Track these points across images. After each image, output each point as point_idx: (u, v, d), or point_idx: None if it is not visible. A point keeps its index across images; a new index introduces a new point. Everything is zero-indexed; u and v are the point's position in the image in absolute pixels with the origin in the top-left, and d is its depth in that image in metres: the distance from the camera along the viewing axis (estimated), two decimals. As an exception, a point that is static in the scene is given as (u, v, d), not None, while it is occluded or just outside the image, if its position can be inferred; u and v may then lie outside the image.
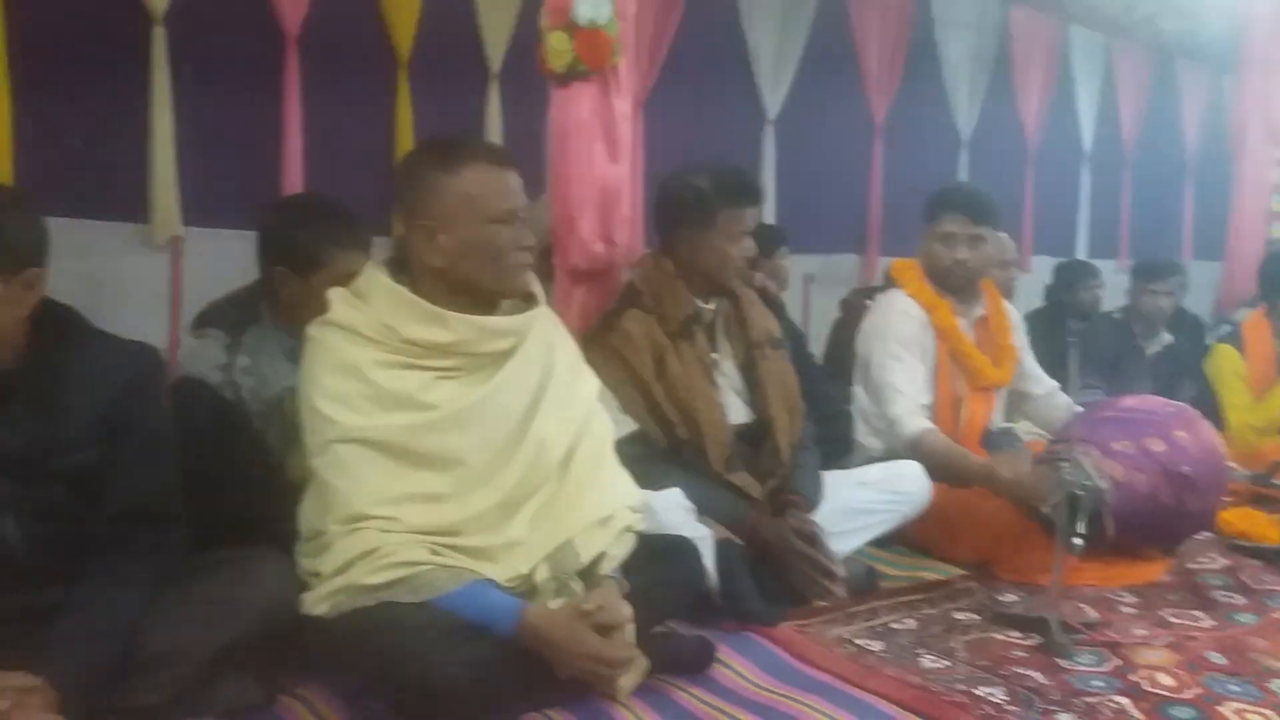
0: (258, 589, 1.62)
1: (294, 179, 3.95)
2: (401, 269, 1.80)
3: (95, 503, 1.58)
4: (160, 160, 3.64)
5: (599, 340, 2.33)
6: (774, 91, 5.18)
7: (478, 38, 4.28)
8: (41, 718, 1.35)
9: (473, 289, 1.77)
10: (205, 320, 2.02)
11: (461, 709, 1.55)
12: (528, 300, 1.87)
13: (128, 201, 3.54)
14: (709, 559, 2.06)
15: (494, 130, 4.40)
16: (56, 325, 1.57)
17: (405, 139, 4.19)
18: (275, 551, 1.71)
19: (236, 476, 1.88)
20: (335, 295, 1.77)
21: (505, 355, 1.81)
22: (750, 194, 2.44)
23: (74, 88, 3.35)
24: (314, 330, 1.75)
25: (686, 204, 2.38)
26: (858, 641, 2.04)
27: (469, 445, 1.74)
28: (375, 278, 1.77)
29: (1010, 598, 2.33)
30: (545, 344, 1.88)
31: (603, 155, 2.44)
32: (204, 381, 1.91)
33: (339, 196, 2.09)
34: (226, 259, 3.79)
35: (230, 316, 2.00)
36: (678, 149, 3.65)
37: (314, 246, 1.93)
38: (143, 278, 3.56)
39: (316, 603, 1.62)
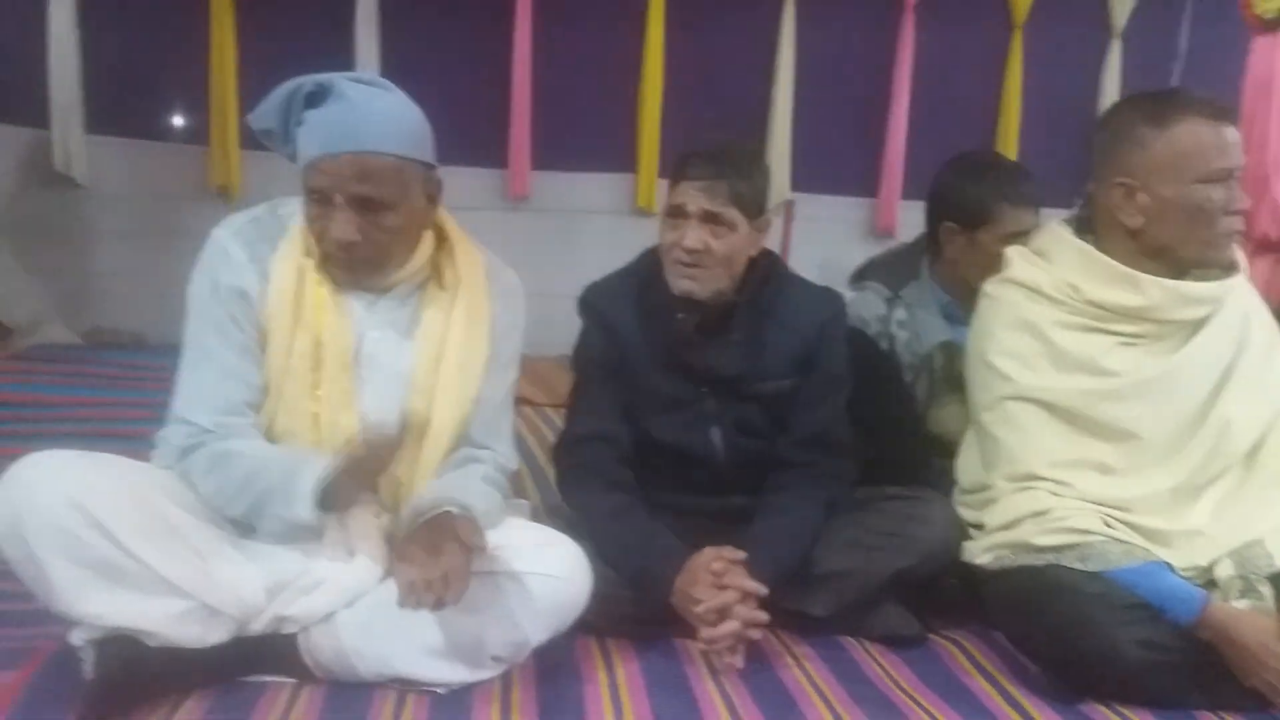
0: (927, 527, 1.69)
1: (896, 147, 4.05)
2: (1085, 229, 1.73)
3: (783, 427, 1.77)
4: (778, 133, 3.95)
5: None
6: None
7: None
8: (747, 582, 1.54)
9: (1168, 253, 1.65)
10: (865, 274, 2.14)
11: (1135, 689, 1.49)
12: (1227, 270, 1.70)
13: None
14: None
15: (1111, 92, 4.09)
16: (764, 267, 1.77)
17: (1012, 102, 4.08)
18: (940, 496, 1.77)
19: (883, 422, 1.97)
20: (1015, 253, 1.76)
21: (1196, 325, 1.66)
22: None
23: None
24: (992, 287, 1.76)
25: None
26: None
27: (1147, 418, 1.64)
28: (1061, 236, 1.72)
29: None
30: (1241, 316, 1.70)
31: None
32: (862, 331, 2.03)
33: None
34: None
35: (892, 271, 2.10)
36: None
37: (984, 202, 1.94)
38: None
39: (979, 552, 1.65)
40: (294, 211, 1.50)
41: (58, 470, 1.29)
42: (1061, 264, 1.69)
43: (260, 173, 3.67)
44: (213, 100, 3.77)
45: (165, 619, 1.32)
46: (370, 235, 1.43)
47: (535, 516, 1.71)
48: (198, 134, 3.85)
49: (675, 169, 1.71)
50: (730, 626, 1.52)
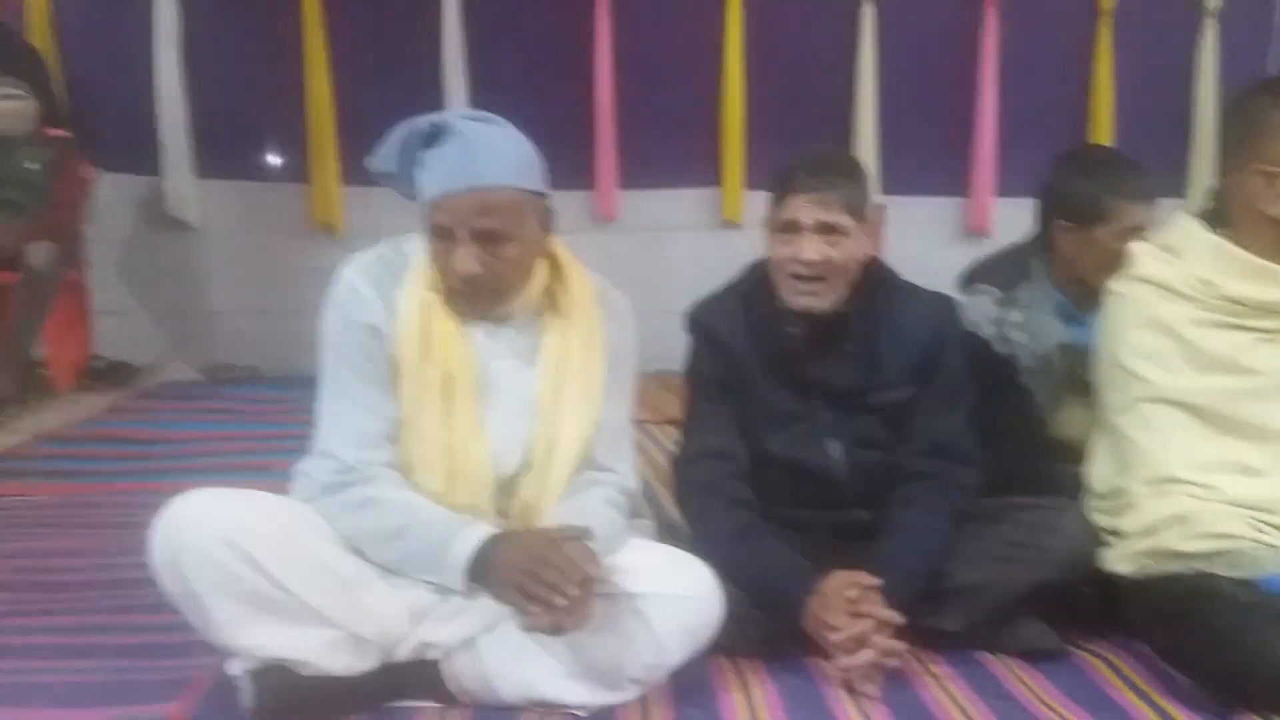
0: (1061, 537, 1.65)
1: (986, 144, 3.98)
2: (1216, 222, 1.67)
3: (903, 438, 1.75)
4: (863, 135, 3.92)
5: None
6: None
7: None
8: (883, 611, 1.53)
9: (1312, 243, 1.58)
10: (976, 276, 2.10)
11: (1295, 703, 1.42)
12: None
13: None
14: None
15: (1208, 75, 3.95)
16: (873, 275, 1.76)
17: (1103, 90, 3.97)
18: (1071, 503, 1.72)
19: (1003, 428, 1.93)
20: (1141, 250, 1.71)
21: (1341, 319, 1.59)
22: None
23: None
24: (1120, 285, 1.71)
25: None
26: None
27: (1291, 417, 1.57)
28: (1191, 230, 1.67)
29: None
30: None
31: None
32: (976, 335, 2.00)
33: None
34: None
35: (1002, 272, 2.06)
36: None
37: (1098, 198, 1.89)
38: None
39: (1119, 560, 1.60)
40: (416, 247, 1.54)
41: (211, 507, 1.35)
42: (1193, 259, 1.64)
43: (362, 208, 3.79)
44: (312, 139, 3.91)
45: (317, 648, 1.37)
46: (491, 267, 1.46)
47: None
48: (299, 173, 4.00)
49: (780, 184, 1.71)
50: (867, 656, 1.51)
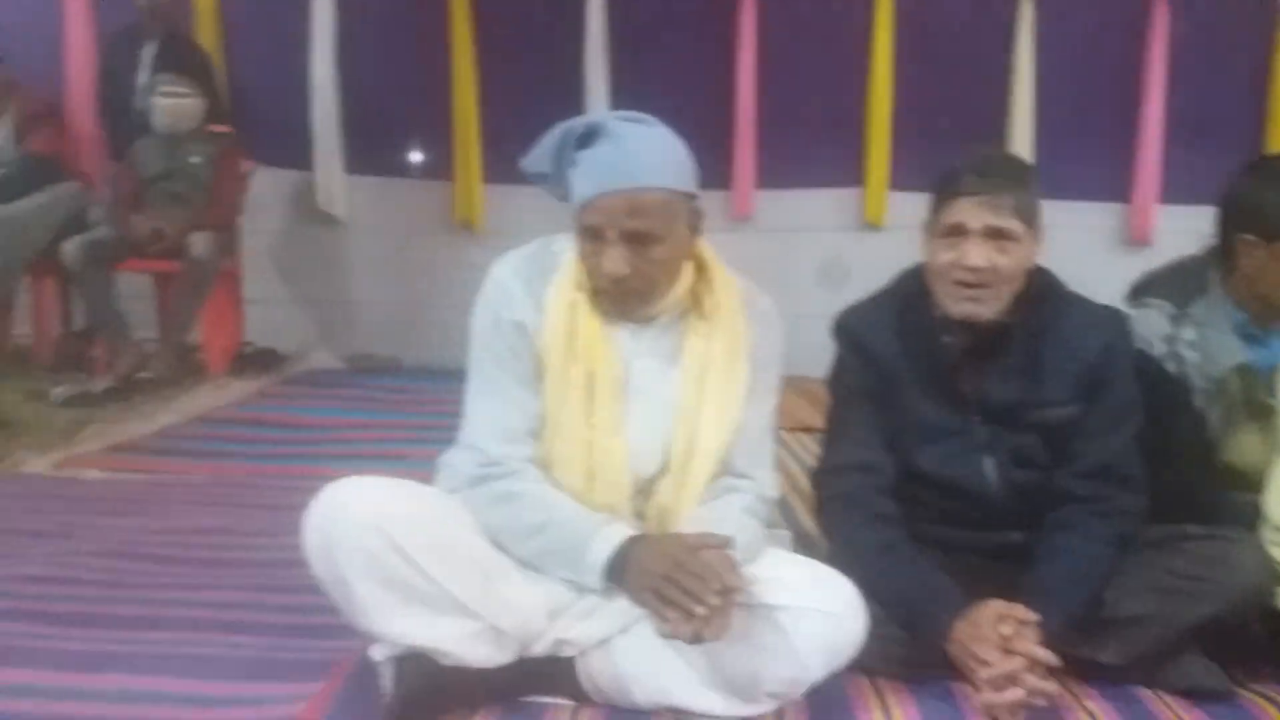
0: (1232, 571, 1.53)
1: (1151, 146, 3.76)
2: None
3: (1064, 458, 1.65)
4: (1018, 136, 3.76)
5: None
6: None
7: None
8: (1039, 651, 1.44)
9: None
10: (1147, 289, 1.97)
11: None
12: None
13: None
14: None
15: None
16: (1038, 284, 1.67)
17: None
18: (1245, 535, 1.60)
19: (1172, 452, 1.81)
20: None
21: None
22: None
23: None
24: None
25: None
26: None
27: None
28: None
29: None
30: None
31: None
32: (1146, 353, 1.87)
33: None
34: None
35: (1176, 286, 1.92)
36: None
37: (1286, 211, 1.75)
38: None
39: (1302, 600, 1.48)
40: (565, 247, 1.54)
41: (363, 495, 1.37)
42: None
43: (501, 206, 3.87)
44: (456, 138, 4.00)
45: (458, 639, 1.38)
46: (639, 268, 1.45)
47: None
48: (442, 170, 4.10)
49: (945, 186, 1.64)
50: (1015, 695, 1.42)
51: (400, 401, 3.41)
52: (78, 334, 3.81)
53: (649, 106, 1.54)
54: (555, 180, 1.52)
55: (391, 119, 4.21)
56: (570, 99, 3.83)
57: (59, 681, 1.51)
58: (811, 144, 3.99)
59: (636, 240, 1.43)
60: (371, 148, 4.13)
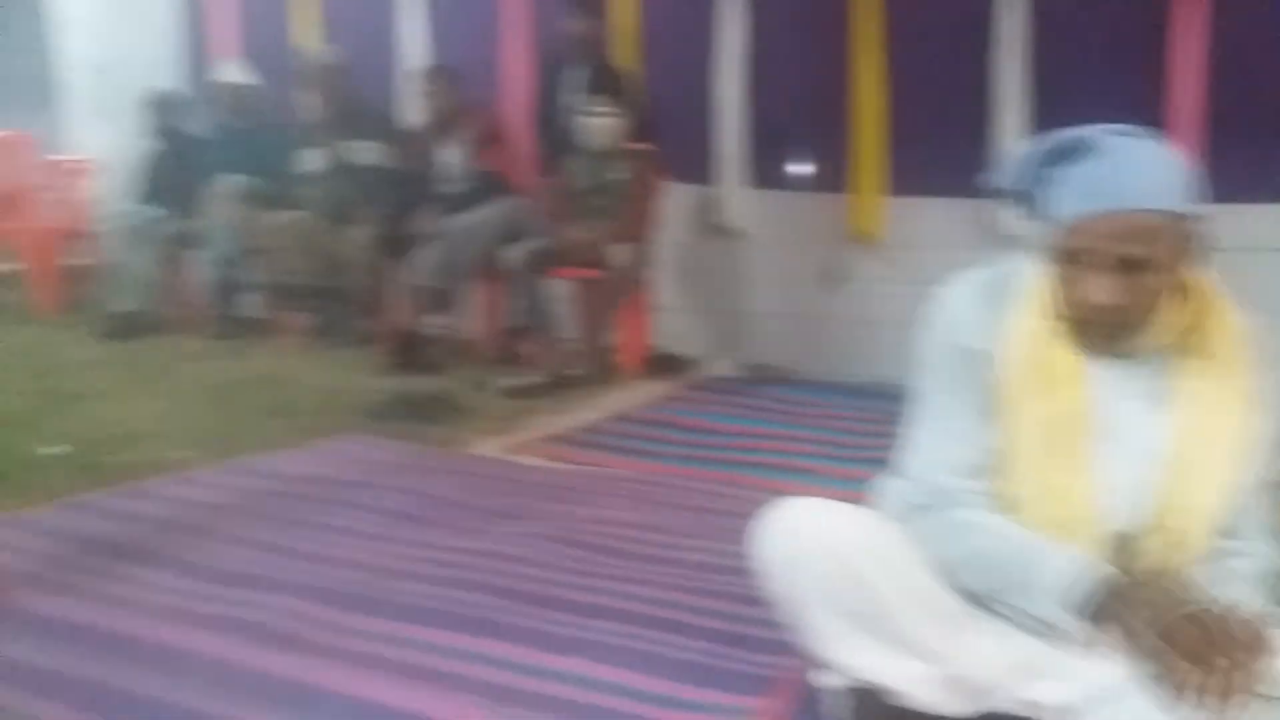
0: None
1: None
2: None
3: None
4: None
5: None
6: None
7: None
8: None
9: None
10: None
11: None
12: None
13: None
14: None
15: None
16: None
17: None
18: None
19: None
20: None
21: None
22: None
23: None
24: None
25: None
26: None
27: None
28: None
29: None
30: None
31: None
32: None
33: None
34: None
35: None
36: None
37: None
38: None
39: None
40: (1020, 270, 1.44)
41: (820, 520, 1.37)
42: None
43: (901, 220, 3.78)
44: (855, 151, 3.97)
45: (911, 680, 1.33)
46: (1129, 297, 1.31)
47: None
48: (839, 183, 4.07)
49: None
50: None
51: (797, 414, 3.43)
52: (510, 331, 4.25)
53: (1069, 120, 1.40)
54: (1029, 198, 1.43)
55: (791, 134, 4.27)
56: (977, 111, 3.66)
57: (529, 659, 1.66)
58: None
59: (1127, 267, 1.30)
60: (772, 162, 4.22)
